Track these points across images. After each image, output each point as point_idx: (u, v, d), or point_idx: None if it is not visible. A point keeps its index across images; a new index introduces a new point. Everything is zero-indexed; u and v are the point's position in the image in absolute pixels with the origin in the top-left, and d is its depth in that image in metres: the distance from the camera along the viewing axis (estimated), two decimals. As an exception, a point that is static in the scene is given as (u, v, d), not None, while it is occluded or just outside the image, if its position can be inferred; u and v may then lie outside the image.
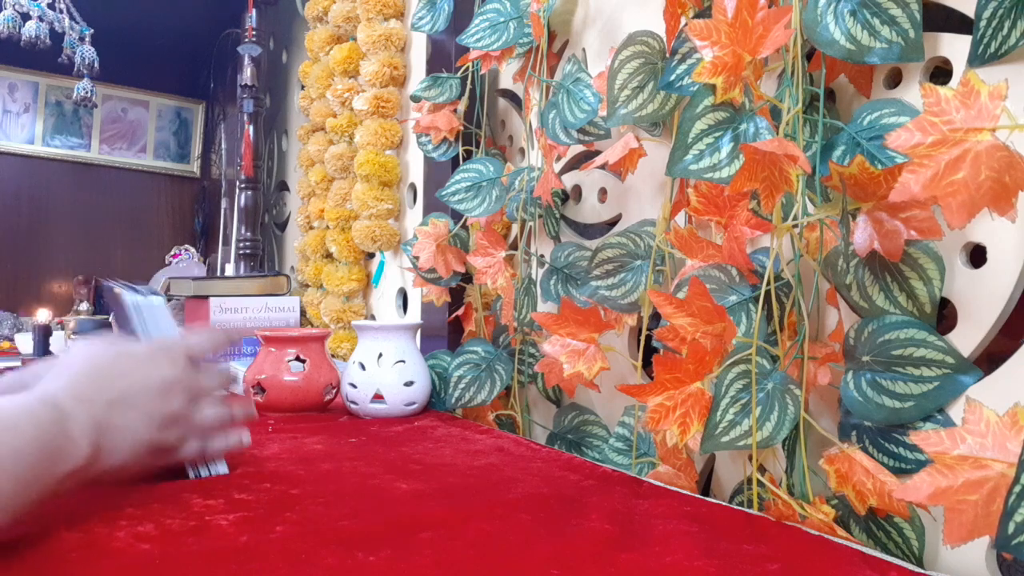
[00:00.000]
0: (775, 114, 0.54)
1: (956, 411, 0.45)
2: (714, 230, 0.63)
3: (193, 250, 2.72)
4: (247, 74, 1.88)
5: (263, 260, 2.02)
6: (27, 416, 0.41)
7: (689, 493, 0.55)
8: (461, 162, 0.97)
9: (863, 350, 0.49)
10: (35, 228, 3.21)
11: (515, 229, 0.97)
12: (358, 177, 1.29)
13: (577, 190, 0.87)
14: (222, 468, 0.58)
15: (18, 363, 1.47)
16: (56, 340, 1.53)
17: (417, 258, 0.93)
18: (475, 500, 0.51)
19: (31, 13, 2.11)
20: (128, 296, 0.59)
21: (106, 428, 0.46)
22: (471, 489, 0.54)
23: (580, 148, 0.83)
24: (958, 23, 0.49)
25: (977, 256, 0.47)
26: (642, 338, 0.70)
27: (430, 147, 1.00)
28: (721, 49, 0.50)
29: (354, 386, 0.86)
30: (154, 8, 2.83)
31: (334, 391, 0.92)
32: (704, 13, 0.59)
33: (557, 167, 0.88)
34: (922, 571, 0.39)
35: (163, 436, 0.51)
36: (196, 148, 3.66)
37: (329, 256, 1.50)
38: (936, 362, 0.46)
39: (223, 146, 2.95)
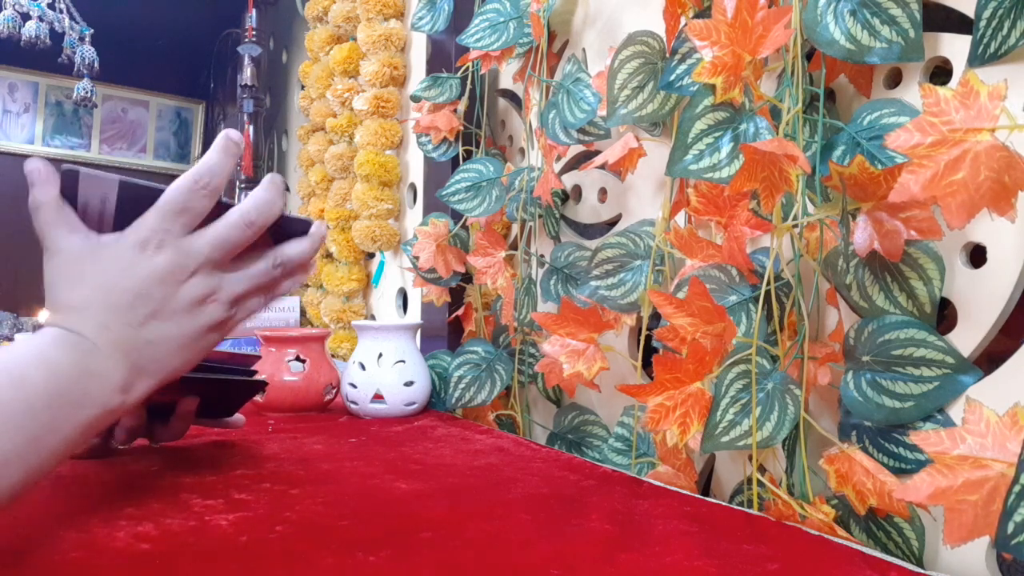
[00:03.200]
0: (775, 114, 0.54)
1: (956, 411, 0.45)
2: (714, 230, 0.63)
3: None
4: (247, 74, 1.88)
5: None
6: (37, 362, 0.38)
7: (689, 493, 0.55)
8: (461, 162, 0.97)
9: (863, 350, 0.49)
10: (35, 228, 3.20)
11: (515, 229, 0.97)
12: (358, 177, 1.29)
13: (577, 190, 0.87)
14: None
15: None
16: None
17: (417, 258, 0.93)
18: (475, 500, 0.51)
19: (31, 13, 2.11)
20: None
21: (139, 345, 0.41)
22: (471, 489, 0.54)
23: (580, 148, 0.83)
24: (958, 23, 0.49)
25: (977, 256, 0.47)
26: (642, 338, 0.70)
27: (430, 147, 1.00)
28: (721, 49, 0.50)
29: (354, 386, 0.86)
30: (154, 8, 2.83)
31: (334, 391, 0.92)
32: (704, 13, 0.59)
33: (557, 167, 0.88)
34: (922, 571, 0.39)
35: (207, 324, 0.44)
36: (196, 148, 3.66)
37: (329, 256, 1.50)
38: (936, 362, 0.46)
39: (223, 146, 2.95)
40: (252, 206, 0.46)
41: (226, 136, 0.45)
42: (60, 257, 0.43)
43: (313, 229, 0.50)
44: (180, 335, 0.44)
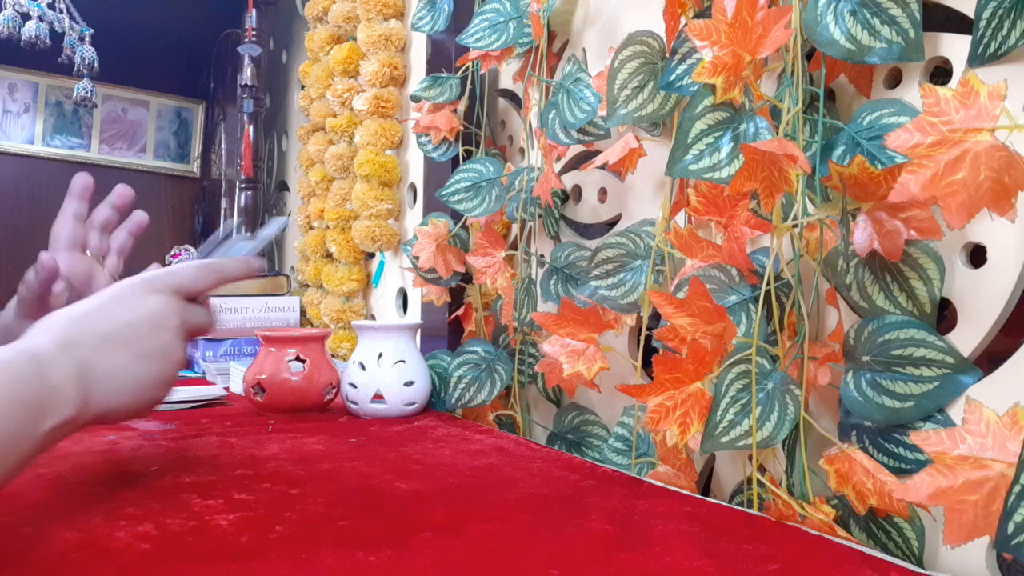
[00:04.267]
0: (775, 114, 0.54)
1: (956, 411, 0.45)
2: (714, 230, 0.63)
3: (193, 250, 2.72)
4: (247, 74, 1.88)
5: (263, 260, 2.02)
6: (3, 370, 0.38)
7: (689, 493, 0.55)
8: (461, 162, 0.97)
9: (863, 350, 0.49)
10: (35, 228, 3.21)
11: (515, 229, 0.97)
12: (358, 177, 1.29)
13: (577, 190, 0.87)
14: None
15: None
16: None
17: (417, 258, 0.93)
18: (475, 500, 0.51)
19: (31, 13, 2.11)
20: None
21: (94, 371, 0.43)
22: (471, 489, 0.54)
23: (580, 148, 0.83)
24: (958, 23, 0.49)
25: (977, 256, 0.47)
26: (642, 338, 0.70)
27: (430, 147, 1.00)
28: (721, 49, 0.50)
29: (354, 386, 0.86)
30: (154, 8, 2.83)
31: (334, 391, 0.92)
32: (704, 13, 0.59)
33: (557, 167, 0.88)
34: (922, 571, 0.39)
35: (158, 370, 0.47)
36: (196, 148, 3.66)
37: (329, 256, 1.50)
38: (936, 362, 0.46)
39: (223, 146, 2.95)
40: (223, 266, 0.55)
41: (248, 263, 0.56)
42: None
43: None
44: (141, 375, 0.47)
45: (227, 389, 1.09)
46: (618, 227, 0.79)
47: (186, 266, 0.53)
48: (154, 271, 0.52)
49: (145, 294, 0.49)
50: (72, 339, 0.44)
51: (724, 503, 0.52)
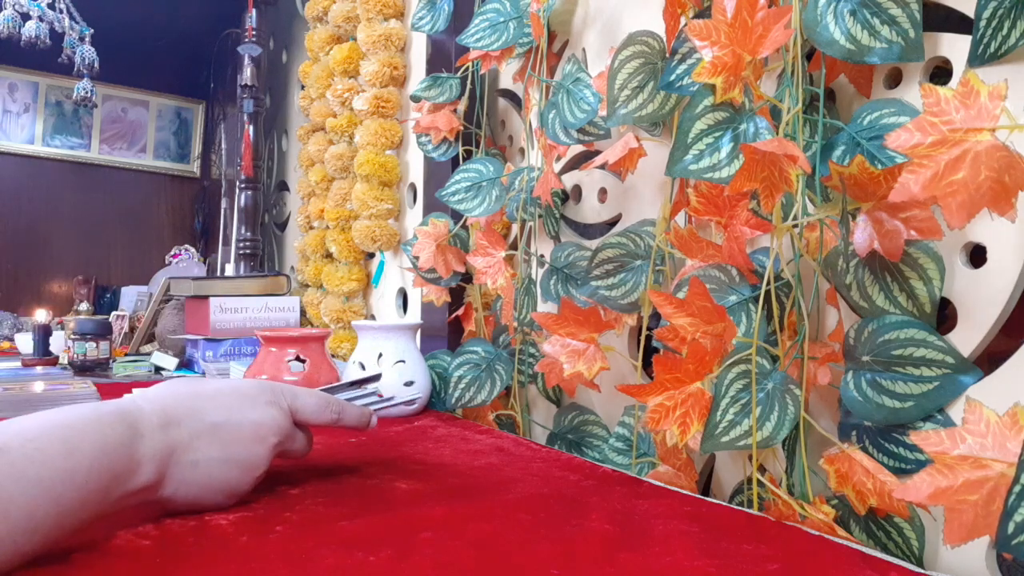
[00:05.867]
0: (775, 114, 0.54)
1: (956, 411, 0.45)
2: (714, 230, 0.63)
3: (193, 250, 2.72)
4: (247, 74, 1.88)
5: (263, 260, 2.02)
6: (95, 431, 0.38)
7: (689, 493, 0.55)
8: (461, 162, 0.97)
9: (863, 350, 0.49)
10: (35, 228, 3.22)
11: (515, 229, 0.97)
12: (358, 177, 1.29)
13: (577, 190, 0.87)
14: None
15: (18, 363, 1.47)
16: (56, 340, 1.53)
17: (417, 258, 0.93)
18: (475, 500, 0.51)
19: (31, 13, 2.11)
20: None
21: (180, 459, 0.43)
22: (471, 489, 0.54)
23: (580, 148, 0.83)
24: (958, 23, 0.49)
25: (977, 256, 0.47)
26: (642, 338, 0.70)
27: (430, 147, 1.00)
28: (721, 49, 0.50)
29: (354, 386, 0.86)
30: (154, 8, 2.83)
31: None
32: (704, 13, 0.59)
33: (557, 167, 0.88)
34: (922, 571, 0.39)
35: (237, 478, 0.47)
36: (196, 148, 3.66)
37: (329, 256, 1.50)
38: (936, 362, 0.46)
39: (223, 146, 2.95)
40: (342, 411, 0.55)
41: (367, 418, 0.57)
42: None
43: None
44: (221, 477, 0.46)
45: None
46: (618, 227, 0.79)
47: (313, 394, 0.53)
48: (283, 385, 0.53)
49: (265, 404, 0.49)
50: (175, 420, 0.44)
51: (724, 503, 0.52)
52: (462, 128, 0.99)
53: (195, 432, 0.45)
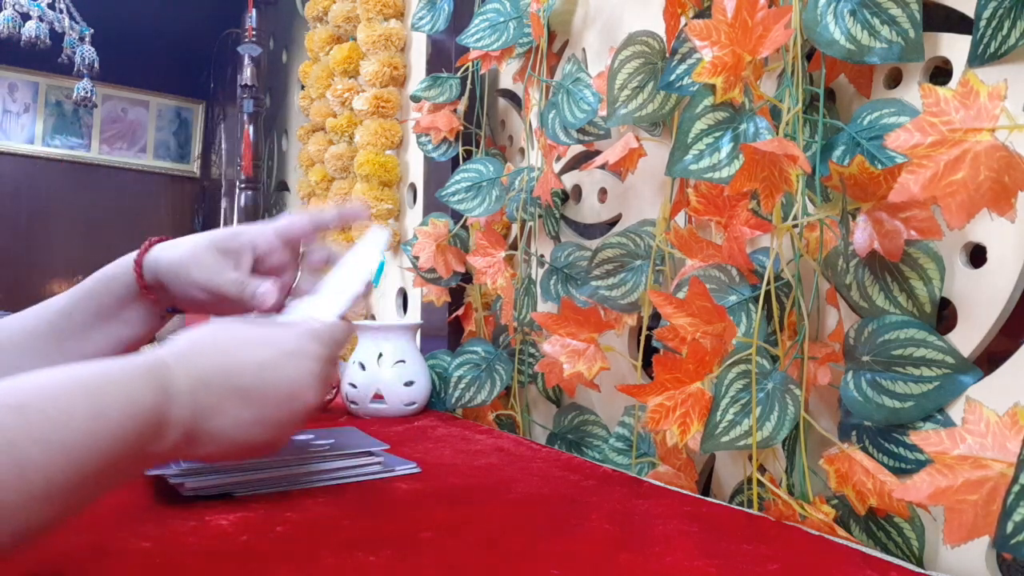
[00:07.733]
0: (775, 114, 0.54)
1: (956, 411, 0.45)
2: (714, 230, 0.63)
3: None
4: (247, 74, 1.88)
5: (263, 260, 2.02)
6: (124, 393, 0.35)
7: (689, 493, 0.55)
8: (461, 162, 0.97)
9: (863, 350, 0.49)
10: (35, 228, 3.22)
11: (515, 229, 0.97)
12: (358, 177, 1.29)
13: (577, 190, 0.87)
14: None
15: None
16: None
17: (417, 258, 0.93)
18: (475, 500, 0.51)
19: (31, 13, 2.11)
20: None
21: (208, 422, 0.40)
22: (471, 489, 0.54)
23: (580, 148, 0.83)
24: (958, 23, 0.49)
25: (977, 256, 0.47)
26: (642, 338, 0.70)
27: (430, 147, 1.00)
28: (721, 49, 0.50)
29: (354, 386, 0.86)
30: (154, 8, 2.83)
31: (334, 391, 0.92)
32: (704, 13, 0.59)
33: (557, 167, 0.88)
34: (922, 571, 0.39)
35: (269, 437, 0.43)
36: (196, 148, 3.66)
37: (329, 256, 1.50)
38: (936, 362, 0.46)
39: (223, 146, 2.96)
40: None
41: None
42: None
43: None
44: (249, 436, 0.42)
45: None
46: (618, 227, 0.79)
47: (347, 327, 0.51)
48: (340, 329, 0.49)
49: (301, 359, 0.45)
50: (205, 380, 0.40)
51: (724, 503, 0.52)
52: (462, 128, 0.99)
53: (223, 395, 0.41)
